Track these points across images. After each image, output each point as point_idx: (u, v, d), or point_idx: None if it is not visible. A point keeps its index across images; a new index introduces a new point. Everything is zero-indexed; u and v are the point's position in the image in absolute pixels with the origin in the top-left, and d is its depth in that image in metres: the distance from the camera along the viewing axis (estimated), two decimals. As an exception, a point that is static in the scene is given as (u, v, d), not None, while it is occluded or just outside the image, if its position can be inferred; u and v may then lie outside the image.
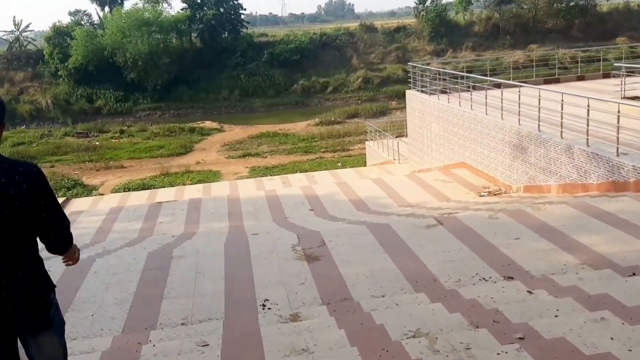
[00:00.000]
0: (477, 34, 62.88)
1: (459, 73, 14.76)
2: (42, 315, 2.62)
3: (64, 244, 2.70)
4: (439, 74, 16.29)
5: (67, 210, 14.94)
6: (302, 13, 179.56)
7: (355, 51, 60.60)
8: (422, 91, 16.54)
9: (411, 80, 17.41)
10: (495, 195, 11.47)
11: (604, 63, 19.37)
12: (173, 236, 9.78)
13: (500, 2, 62.94)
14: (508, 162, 11.65)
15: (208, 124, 44.05)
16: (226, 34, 59.45)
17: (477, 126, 12.85)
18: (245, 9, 59.53)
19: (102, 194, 23.60)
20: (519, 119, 11.20)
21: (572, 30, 62.29)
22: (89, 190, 25.77)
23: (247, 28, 62.37)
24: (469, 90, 14.65)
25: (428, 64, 58.00)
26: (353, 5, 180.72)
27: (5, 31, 62.15)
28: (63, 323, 2.80)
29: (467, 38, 62.15)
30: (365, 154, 29.71)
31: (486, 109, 12.49)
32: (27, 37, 63.13)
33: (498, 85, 15.42)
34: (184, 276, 5.81)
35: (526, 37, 61.97)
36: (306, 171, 26.43)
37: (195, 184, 25.11)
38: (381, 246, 6.13)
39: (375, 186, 13.06)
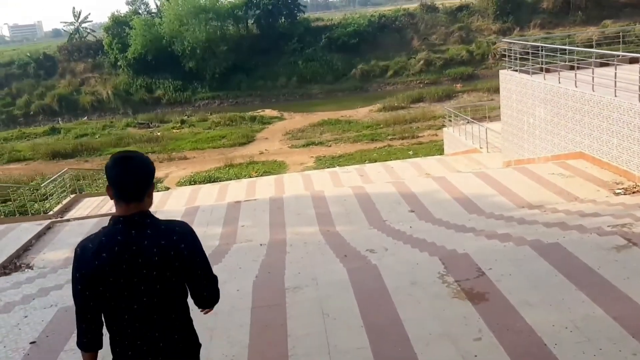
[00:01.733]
0: (545, 10, 59.17)
1: (573, 48, 12.81)
2: None
3: (214, 299, 2.66)
4: (540, 50, 14.30)
5: (137, 210, 13.93)
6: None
7: (416, 32, 58.13)
8: (521, 71, 14.63)
9: (506, 58, 15.50)
10: (634, 193, 9.61)
11: None
12: (261, 244, 8.51)
13: (572, -26, 58.94)
14: (649, 153, 9.75)
15: (268, 112, 43.02)
16: (283, 19, 58.19)
17: (602, 110, 10.94)
18: (302, -8, 57.84)
19: (168, 188, 22.80)
20: (666, 102, 9.28)
21: (649, 5, 57.75)
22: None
23: (303, 12, 60.89)
24: (574, 69, 12.77)
25: (494, 43, 55.28)
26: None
27: (66, 22, 62.84)
28: None
29: (535, 15, 58.58)
30: (439, 141, 27.86)
31: (615, 90, 10.57)
32: (86, 28, 63.78)
33: (606, 64, 13.44)
34: (307, 320, 4.42)
35: (599, 12, 57.85)
36: (375, 160, 24.90)
37: (262, 175, 24.04)
38: (566, 278, 4.55)
39: (479, 180, 11.37)
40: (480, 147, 18.13)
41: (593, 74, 11.41)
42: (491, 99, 39.42)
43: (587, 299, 4.22)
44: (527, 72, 14.30)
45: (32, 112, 54.75)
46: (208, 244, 9.26)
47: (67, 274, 9.47)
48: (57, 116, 53.87)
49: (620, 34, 21.06)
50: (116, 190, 2.43)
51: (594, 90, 11.28)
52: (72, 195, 17.39)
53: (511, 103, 15.13)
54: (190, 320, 2.61)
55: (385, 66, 54.53)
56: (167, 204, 15.43)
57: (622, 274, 4.56)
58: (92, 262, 2.35)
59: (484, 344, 3.80)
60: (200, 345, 2.65)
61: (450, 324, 4.11)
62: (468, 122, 20.05)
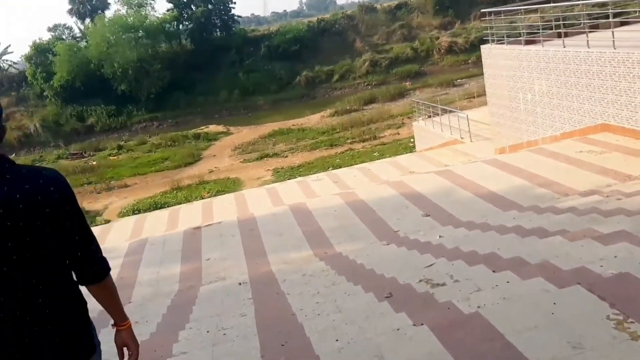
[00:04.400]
0: (483, 1, 58.86)
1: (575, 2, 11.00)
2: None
3: (98, 266, 2.15)
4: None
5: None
6: (285, 10, 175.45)
7: (358, 34, 56.67)
8: (509, 42, 12.75)
9: (489, 32, 13.62)
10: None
11: None
12: (240, 283, 6.10)
13: (504, -35, 59.05)
14: None
15: (213, 128, 40.29)
16: (218, 32, 55.56)
17: (632, 69, 9.05)
18: (235, 2, 55.45)
19: (109, 220, 19.82)
20: None
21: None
22: (91, 217, 21.97)
23: (239, 23, 58.42)
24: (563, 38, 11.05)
25: (437, 38, 54.40)
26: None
27: (-18, 56, 57.92)
28: None
29: (474, 7, 57.93)
30: (403, 140, 25.93)
31: (648, 42, 8.71)
32: (6, 60, 59.03)
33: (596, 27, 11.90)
34: None
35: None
36: (340, 166, 22.72)
37: (216, 195, 21.40)
38: None
39: (493, 169, 9.27)
40: (462, 137, 16.18)
41: (613, 33, 9.54)
42: (445, 93, 38.15)
43: None
44: (519, 43, 12.41)
45: (-49, 154, 49.82)
46: (165, 290, 6.70)
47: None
48: (-20, 156, 49.14)
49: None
50: None
51: (615, 48, 9.40)
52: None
53: (501, 81, 13.21)
54: (84, 303, 2.13)
55: (330, 71, 52.74)
56: (106, 240, 12.63)
57: None
58: None
59: None
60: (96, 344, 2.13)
61: None
62: (441, 114, 18.11)
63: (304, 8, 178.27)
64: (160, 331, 4.48)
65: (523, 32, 12.51)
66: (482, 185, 8.53)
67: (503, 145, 13.54)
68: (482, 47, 13.89)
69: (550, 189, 7.74)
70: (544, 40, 11.66)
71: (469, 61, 51.56)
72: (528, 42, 12.40)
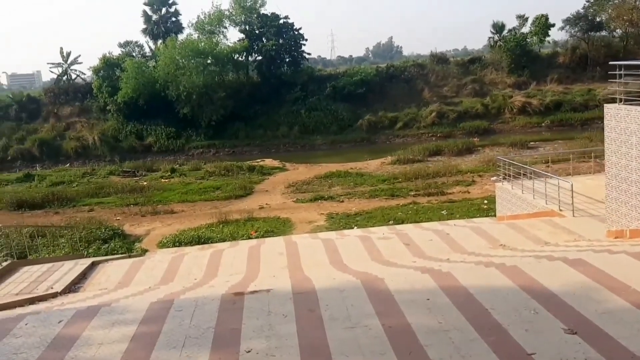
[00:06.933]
0: (562, 65, 56.26)
1: None
2: None
3: None
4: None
5: (84, 294, 9.27)
6: (350, 56, 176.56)
7: (427, 84, 54.87)
8: (648, 104, 10.29)
9: (617, 86, 11.18)
10: None
11: None
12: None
13: (589, 29, 56.24)
14: None
15: (269, 162, 38.74)
16: (285, 67, 54.77)
17: None
18: (306, 39, 54.73)
19: (146, 250, 18.02)
20: None
21: (671, 60, 54.75)
22: (130, 243, 20.30)
23: (307, 60, 57.56)
24: None
25: (510, 97, 51.70)
26: (401, 48, 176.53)
27: (53, 63, 58.99)
28: None
29: (551, 69, 55.59)
30: (475, 199, 23.39)
31: None
32: (75, 70, 60.00)
33: None
34: None
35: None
36: (402, 221, 20.41)
37: (264, 235, 19.41)
38: None
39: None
40: (561, 209, 13.61)
41: None
42: (517, 154, 35.35)
43: None
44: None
45: (9, 157, 50.28)
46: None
47: None
48: (37, 162, 49.32)
49: None
50: None
51: None
52: (5, 263, 12.59)
53: (629, 150, 10.69)
54: None
55: (394, 117, 50.92)
56: (132, 281, 10.67)
57: None
58: None
59: None
60: None
61: None
62: (532, 177, 15.59)
63: (370, 55, 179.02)
64: None
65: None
66: None
67: (621, 228, 10.96)
68: (607, 106, 11.44)
69: None
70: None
71: (543, 124, 48.73)
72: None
